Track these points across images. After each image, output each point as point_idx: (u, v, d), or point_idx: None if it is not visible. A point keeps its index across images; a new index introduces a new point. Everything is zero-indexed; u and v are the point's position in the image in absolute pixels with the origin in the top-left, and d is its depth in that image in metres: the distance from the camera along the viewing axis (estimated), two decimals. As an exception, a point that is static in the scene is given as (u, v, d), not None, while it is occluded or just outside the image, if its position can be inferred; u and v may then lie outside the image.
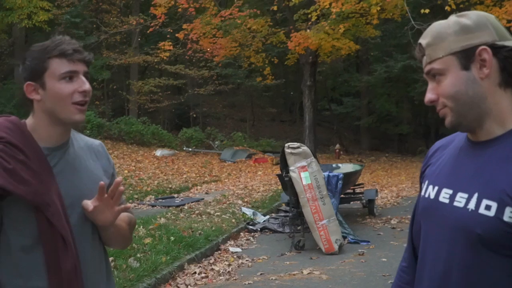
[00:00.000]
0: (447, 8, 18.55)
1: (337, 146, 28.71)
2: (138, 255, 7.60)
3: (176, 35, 25.98)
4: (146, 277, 6.89)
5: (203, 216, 11.17)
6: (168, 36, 27.27)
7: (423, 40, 1.78)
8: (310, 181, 9.17)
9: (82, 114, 2.17)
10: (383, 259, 8.50)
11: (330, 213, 9.21)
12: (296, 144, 9.47)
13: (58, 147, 2.21)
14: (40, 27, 28.98)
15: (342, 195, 11.05)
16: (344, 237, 9.62)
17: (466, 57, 1.69)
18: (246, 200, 13.41)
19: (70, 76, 2.13)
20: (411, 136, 39.56)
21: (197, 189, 15.85)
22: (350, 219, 11.22)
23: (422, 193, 1.95)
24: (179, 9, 25.02)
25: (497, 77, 1.70)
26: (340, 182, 10.43)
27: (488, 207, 1.64)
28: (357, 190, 12.91)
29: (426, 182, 1.94)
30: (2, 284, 2.10)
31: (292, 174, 9.25)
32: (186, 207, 12.19)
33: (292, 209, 9.65)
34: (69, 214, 2.14)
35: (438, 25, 1.76)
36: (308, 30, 21.99)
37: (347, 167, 13.28)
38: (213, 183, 17.54)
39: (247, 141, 28.75)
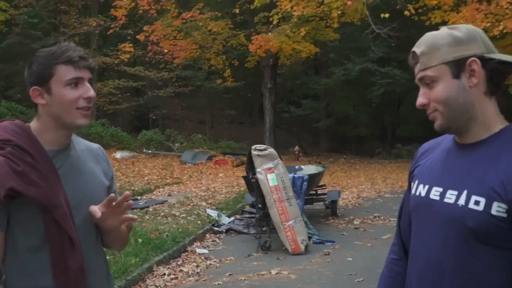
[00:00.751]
0: (406, 13, 18.94)
1: (296, 148, 28.89)
2: (108, 257, 7.61)
3: (137, 36, 25.91)
4: (117, 279, 6.92)
5: (169, 218, 11.20)
6: (128, 38, 27.17)
7: (417, 49, 1.92)
8: (277, 183, 9.30)
9: (86, 118, 2.24)
10: (349, 259, 8.67)
11: (296, 214, 9.35)
12: (263, 146, 9.60)
13: (62, 150, 2.27)
14: (-3, 27, 28.56)
15: (306, 197, 11.20)
16: (310, 238, 9.77)
17: (458, 66, 1.85)
18: (209, 201, 13.47)
19: (76, 83, 2.19)
20: (368, 138, 40.03)
21: (159, 191, 15.84)
22: (313, 220, 11.37)
23: (413, 191, 2.09)
24: (140, 11, 24.96)
25: (484, 86, 1.86)
26: (305, 183, 10.60)
27: (477, 203, 1.78)
28: (320, 192, 13.09)
29: (416, 181, 2.08)
30: (10, 284, 2.16)
31: (259, 175, 9.36)
32: (150, 209, 12.19)
33: (259, 210, 9.75)
34: (74, 215, 2.20)
35: (432, 36, 1.91)
36: (269, 33, 22.16)
37: (309, 169, 13.45)
38: (175, 185, 17.54)
39: (207, 143, 28.77)
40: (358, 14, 21.34)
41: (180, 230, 9.98)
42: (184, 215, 11.45)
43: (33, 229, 2.14)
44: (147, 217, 11.16)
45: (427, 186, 1.99)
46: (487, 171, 1.81)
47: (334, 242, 9.90)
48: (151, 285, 7.37)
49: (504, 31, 17.15)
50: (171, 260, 8.63)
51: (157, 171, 20.57)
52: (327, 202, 12.67)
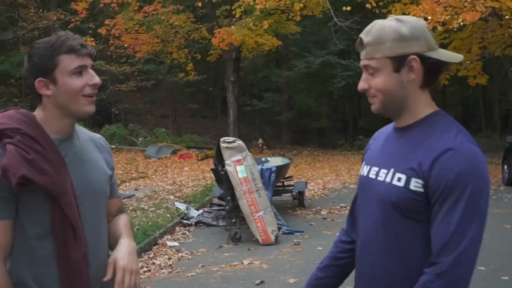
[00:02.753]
0: (368, 5, 19.15)
1: (260, 140, 29.03)
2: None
3: (98, 30, 25.70)
4: (91, 272, 6.92)
5: (138, 211, 11.20)
6: (89, 32, 26.92)
7: (365, 37, 2.07)
8: (246, 174, 9.38)
9: (93, 105, 2.28)
10: (319, 248, 8.79)
11: (265, 205, 9.46)
12: (231, 139, 9.68)
13: (66, 139, 2.30)
14: (-47, 22, 28.01)
15: (273, 188, 11.31)
16: (279, 228, 9.87)
17: (399, 62, 2.01)
18: (177, 195, 13.50)
19: (80, 71, 2.22)
20: (330, 130, 40.39)
21: (125, 186, 15.80)
22: (281, 211, 11.48)
23: (360, 172, 2.31)
24: (101, 4, 24.78)
25: (420, 80, 2.04)
26: (273, 175, 10.72)
27: (399, 179, 2.00)
28: (286, 183, 13.22)
29: (363, 163, 2.30)
30: (16, 272, 2.19)
31: (228, 168, 9.43)
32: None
33: (228, 202, 9.82)
34: (79, 203, 2.24)
35: (380, 28, 2.04)
36: (232, 26, 22.21)
37: (276, 161, 13.58)
38: (141, 179, 17.50)
39: (171, 137, 28.70)
40: (320, 7, 21.56)
41: (150, 223, 9.99)
42: (153, 209, 11.46)
43: (39, 217, 2.18)
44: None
45: (368, 167, 2.21)
46: (410, 151, 2.02)
47: (303, 232, 10.04)
48: (125, 278, 7.38)
49: (463, 23, 17.48)
50: (143, 253, 8.65)
51: (121, 165, 20.48)
52: (294, 193, 12.81)
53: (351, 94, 39.31)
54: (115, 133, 27.43)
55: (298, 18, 21.57)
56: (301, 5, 20.00)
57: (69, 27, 24.01)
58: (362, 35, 2.07)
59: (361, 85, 2.10)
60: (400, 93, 2.03)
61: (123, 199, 12.66)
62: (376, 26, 2.05)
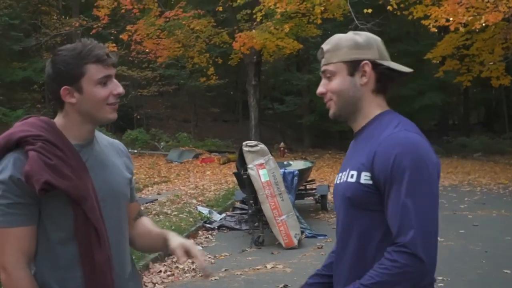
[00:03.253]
0: (389, 8, 19.08)
1: (281, 144, 28.98)
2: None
3: (120, 36, 25.86)
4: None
5: (161, 216, 11.25)
6: (111, 37, 27.11)
7: (324, 46, 2.28)
8: (268, 178, 9.38)
9: (115, 113, 2.33)
10: (342, 252, 8.76)
11: (288, 208, 9.45)
12: (253, 143, 9.69)
13: (87, 144, 2.32)
14: (-23, 29, 28.35)
15: (296, 191, 11.29)
16: (302, 232, 9.86)
17: (353, 66, 2.22)
18: (200, 199, 13.53)
19: (105, 81, 2.26)
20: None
21: (148, 190, 15.87)
22: (304, 214, 11.45)
23: None
24: (123, 10, 24.96)
25: (373, 85, 2.24)
26: (295, 178, 10.70)
27: (352, 176, 2.17)
28: (309, 187, 13.20)
29: None
30: (41, 276, 2.22)
31: (250, 171, 9.44)
32: (142, 207, 12.20)
33: (251, 206, 9.82)
34: (102, 208, 2.25)
35: (338, 37, 2.27)
36: (253, 30, 22.24)
37: (298, 164, 13.56)
38: (163, 183, 17.58)
39: (192, 141, 28.78)
40: (341, 10, 21.51)
41: (173, 227, 10.01)
42: (175, 213, 11.50)
43: (62, 222, 2.20)
44: (139, 215, 11.17)
45: (337, 176, 2.36)
46: (361, 149, 2.20)
47: (326, 235, 10.01)
48: (148, 282, 7.42)
49: (485, 24, 17.36)
50: (166, 258, 8.67)
51: (144, 170, 20.58)
52: (317, 196, 12.79)
53: (373, 96, 39.14)
54: (137, 138, 27.59)
55: (319, 21, 21.53)
56: (322, 8, 20.00)
57: (91, 33, 24.22)
58: (322, 45, 2.29)
59: (319, 89, 2.28)
60: (353, 95, 2.22)
61: (146, 203, 12.79)
62: (336, 37, 2.28)
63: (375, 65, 2.20)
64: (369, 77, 2.20)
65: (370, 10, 19.56)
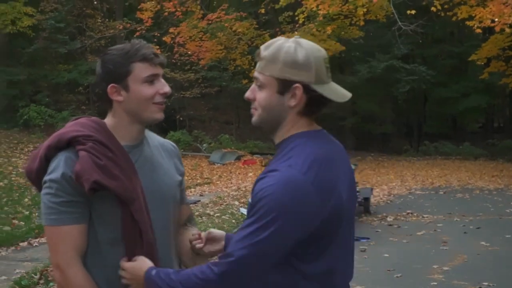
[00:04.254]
0: (432, 8, 18.86)
1: (323, 146, 28.88)
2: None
3: (163, 38, 26.07)
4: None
5: (203, 217, 11.33)
6: (154, 40, 27.34)
7: (263, 51, 2.12)
8: (311, 181, 9.34)
9: (162, 112, 2.33)
10: (385, 255, 8.71)
11: (331, 211, 9.39)
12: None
13: (137, 145, 2.35)
14: (24, 32, 28.87)
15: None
16: (345, 235, 9.79)
17: (284, 86, 2.06)
18: (242, 201, 13.56)
19: (152, 80, 2.27)
20: (394, 135, 39.88)
21: (191, 191, 15.97)
22: (346, 217, 11.39)
23: None
24: (166, 13, 25.15)
25: (300, 108, 2.09)
26: (338, 181, 10.63)
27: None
28: (351, 189, 13.11)
29: None
30: (91, 274, 2.24)
31: (293, 174, 9.40)
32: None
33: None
34: (150, 209, 2.27)
35: (279, 47, 2.08)
36: (295, 32, 22.19)
37: (341, 167, 13.47)
38: (205, 185, 17.69)
39: (234, 143, 28.89)
40: (384, 11, 21.32)
41: (216, 229, 10.05)
42: (218, 214, 11.56)
43: (111, 223, 2.22)
44: (182, 217, 11.26)
45: None
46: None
47: (369, 238, 9.95)
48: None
49: (532, 24, 17.04)
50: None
51: (186, 171, 20.51)
52: (359, 199, 12.70)
53: (416, 98, 38.79)
54: (180, 140, 27.76)
55: (362, 23, 21.38)
56: (365, 10, 19.84)
57: (134, 36, 24.47)
58: (262, 47, 2.14)
59: (248, 94, 2.17)
60: (278, 114, 2.10)
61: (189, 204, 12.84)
62: (276, 43, 2.09)
63: (308, 90, 2.05)
64: (299, 100, 2.06)
65: (413, 11, 19.32)
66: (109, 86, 2.27)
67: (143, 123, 2.35)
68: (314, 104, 2.10)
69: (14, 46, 31.66)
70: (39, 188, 2.29)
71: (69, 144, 2.23)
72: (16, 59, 31.12)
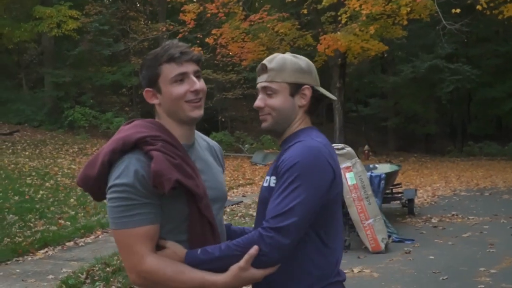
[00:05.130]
0: (478, 7, 18.59)
1: (366, 147, 28.77)
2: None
3: (206, 40, 26.22)
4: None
5: (246, 218, 11.35)
6: (197, 41, 27.50)
7: (268, 64, 2.44)
8: (355, 181, 9.29)
9: (198, 110, 2.32)
10: (431, 257, 8.58)
11: (375, 212, 9.32)
12: (340, 145, 9.61)
13: (191, 145, 2.37)
14: (69, 35, 29.35)
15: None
16: (389, 236, 9.70)
17: (295, 88, 2.44)
18: (284, 202, 13.51)
19: (181, 78, 2.27)
20: (438, 136, 39.43)
21: (233, 192, 16.02)
22: (390, 218, 11.27)
23: None
24: (208, 15, 25.28)
25: (307, 107, 2.48)
26: (382, 182, 10.54)
27: (267, 181, 2.41)
28: (395, 190, 13.00)
29: None
30: None
31: (336, 175, 9.35)
32: (228, 209, 12.35)
33: (337, 209, 9.72)
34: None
35: (282, 58, 2.46)
36: (338, 32, 22.10)
37: (384, 167, 13.36)
38: (248, 186, 17.71)
39: (276, 144, 28.85)
40: (427, 10, 21.11)
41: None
42: (261, 215, 11.54)
43: (179, 221, 2.25)
44: (225, 217, 11.31)
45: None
46: (278, 158, 2.40)
47: (413, 240, 9.82)
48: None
49: None
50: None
51: (229, 172, 20.78)
52: (403, 200, 12.58)
53: (460, 98, 38.27)
54: (222, 140, 27.91)
55: (405, 22, 21.19)
56: (408, 9, 19.66)
57: (177, 37, 24.64)
58: (265, 62, 2.46)
59: (258, 103, 2.46)
60: (290, 114, 2.45)
61: (232, 205, 12.92)
62: (279, 57, 2.47)
63: (314, 90, 2.46)
64: (307, 100, 2.45)
65: (458, 10, 19.09)
66: (145, 91, 2.34)
67: (183, 122, 2.34)
68: (316, 103, 2.50)
69: (60, 49, 32.26)
70: (97, 195, 2.32)
71: (135, 146, 2.21)
72: (62, 62, 31.69)
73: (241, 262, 2.17)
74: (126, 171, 2.16)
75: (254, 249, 2.16)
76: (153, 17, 35.46)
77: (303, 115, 2.48)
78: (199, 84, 2.30)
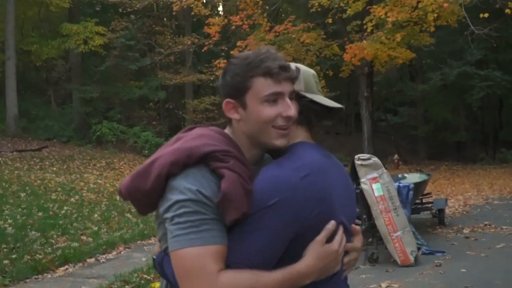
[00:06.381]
0: (507, 11, 18.22)
1: (396, 156, 28.39)
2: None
3: (231, 52, 26.13)
4: None
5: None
6: (222, 54, 27.47)
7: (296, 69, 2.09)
8: (382, 193, 9.02)
9: (284, 138, 2.01)
10: (462, 270, 8.28)
11: (404, 224, 9.04)
12: (366, 156, 9.35)
13: (255, 165, 2.05)
14: (96, 51, 29.65)
15: (411, 206, 10.83)
16: (418, 248, 9.41)
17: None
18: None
19: (274, 99, 1.96)
20: (469, 143, 38.86)
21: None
22: (420, 229, 10.98)
23: None
24: (233, 27, 25.23)
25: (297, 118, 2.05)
26: (411, 192, 10.27)
27: None
28: (425, 200, 12.68)
29: None
30: None
31: (363, 186, 9.11)
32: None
33: (365, 221, 9.49)
34: None
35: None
36: (364, 41, 21.85)
37: (413, 177, 13.06)
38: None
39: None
40: (455, 16, 20.80)
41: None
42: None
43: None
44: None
45: None
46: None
47: (444, 252, 9.52)
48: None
49: None
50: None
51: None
52: (433, 211, 12.26)
53: (491, 105, 37.69)
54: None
55: (432, 29, 20.88)
56: (435, 15, 19.35)
57: (202, 50, 24.68)
58: (296, 65, 2.12)
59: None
60: None
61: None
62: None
63: (298, 97, 2.06)
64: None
65: (486, 15, 18.69)
66: (225, 101, 2.02)
67: (261, 148, 2.04)
68: (306, 111, 2.09)
69: (87, 65, 32.53)
70: (144, 209, 2.02)
71: (201, 160, 1.89)
72: (89, 77, 31.96)
73: (319, 238, 1.90)
74: (188, 187, 1.84)
75: (331, 224, 1.92)
76: (179, 31, 35.57)
77: (293, 127, 2.05)
78: (293, 110, 1.98)
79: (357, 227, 2.19)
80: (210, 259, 1.80)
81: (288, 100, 1.98)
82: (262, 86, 1.95)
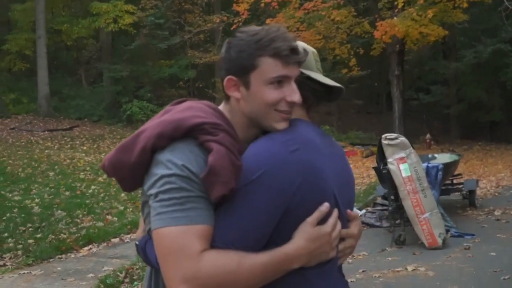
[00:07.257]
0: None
1: (428, 136, 27.97)
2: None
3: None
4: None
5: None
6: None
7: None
8: (410, 173, 8.80)
9: (285, 122, 1.90)
10: (492, 254, 8.05)
11: (432, 205, 8.82)
12: (393, 135, 9.12)
13: (248, 143, 1.92)
14: (126, 30, 29.67)
15: (441, 187, 10.58)
16: (447, 231, 9.19)
17: None
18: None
19: (280, 81, 1.86)
20: (503, 123, 38.14)
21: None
22: (450, 211, 10.74)
23: None
24: (262, 4, 25.00)
25: None
26: (440, 173, 10.01)
27: None
28: (455, 181, 12.41)
29: None
30: None
31: (390, 166, 8.91)
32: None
33: (392, 202, 9.29)
34: None
35: None
36: (395, 18, 21.45)
37: (444, 157, 12.78)
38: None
39: (335, 134, 28.42)
40: (490, -9, 20.31)
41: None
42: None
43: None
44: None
45: None
46: None
47: (474, 235, 9.28)
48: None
49: None
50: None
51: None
52: (464, 192, 11.99)
53: (526, 83, 36.89)
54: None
55: (465, 5, 20.44)
56: (468, -9, 18.91)
57: (231, 28, 24.48)
58: (305, 47, 2.01)
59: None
60: None
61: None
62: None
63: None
64: None
65: (521, -9, 18.24)
66: (227, 78, 1.89)
67: (258, 128, 1.94)
68: (304, 89, 1.93)
69: (117, 44, 32.62)
70: (127, 185, 1.90)
71: (189, 133, 1.79)
72: (119, 56, 32.04)
73: (310, 219, 1.77)
74: (175, 161, 1.73)
75: (324, 206, 1.78)
76: (208, 9, 35.37)
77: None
78: (298, 96, 1.88)
79: (355, 213, 2.03)
80: (194, 239, 1.70)
81: (294, 84, 1.87)
82: (270, 67, 1.83)
